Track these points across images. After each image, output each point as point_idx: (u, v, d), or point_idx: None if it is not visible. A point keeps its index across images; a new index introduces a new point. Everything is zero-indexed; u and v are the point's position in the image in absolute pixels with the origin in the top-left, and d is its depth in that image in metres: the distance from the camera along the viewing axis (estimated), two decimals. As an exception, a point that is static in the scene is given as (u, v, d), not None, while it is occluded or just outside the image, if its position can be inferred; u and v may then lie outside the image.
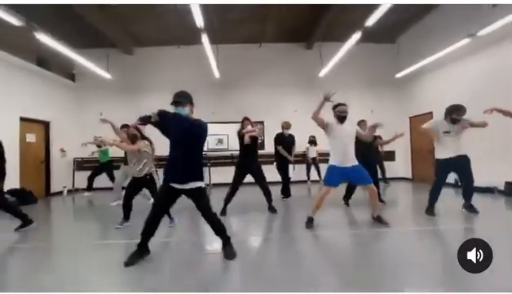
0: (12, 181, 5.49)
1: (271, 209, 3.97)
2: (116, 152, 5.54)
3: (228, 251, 2.34)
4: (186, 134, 2.18)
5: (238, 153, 4.02)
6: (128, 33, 7.20)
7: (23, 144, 6.02)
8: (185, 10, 5.67)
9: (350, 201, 4.40)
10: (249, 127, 3.84)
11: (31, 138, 6.37)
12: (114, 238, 3.10)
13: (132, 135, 3.49)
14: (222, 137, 8.01)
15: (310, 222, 3.18)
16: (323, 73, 7.28)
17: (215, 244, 2.53)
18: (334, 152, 3.17)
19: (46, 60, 6.56)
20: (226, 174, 5.95)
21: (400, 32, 7.60)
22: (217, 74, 6.99)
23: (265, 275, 2.03)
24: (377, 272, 2.01)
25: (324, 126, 3.13)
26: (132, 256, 2.24)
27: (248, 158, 3.90)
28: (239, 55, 7.96)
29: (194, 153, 2.27)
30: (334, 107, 3.20)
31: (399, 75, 7.14)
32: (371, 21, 4.18)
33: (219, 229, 2.38)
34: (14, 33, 5.09)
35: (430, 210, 3.60)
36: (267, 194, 3.98)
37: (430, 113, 6.90)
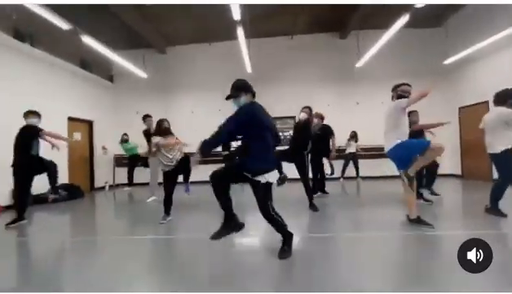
0: (62, 177, 5.93)
1: (313, 207, 3.77)
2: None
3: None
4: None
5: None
6: (161, 33, 7.37)
7: (70, 143, 6.44)
8: (218, 5, 5.69)
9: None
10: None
11: (77, 136, 6.81)
12: (154, 233, 3.14)
13: (165, 128, 3.70)
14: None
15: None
16: (360, 63, 6.85)
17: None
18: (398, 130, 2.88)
19: (88, 63, 6.96)
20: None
21: (448, 14, 6.87)
22: (249, 69, 6.89)
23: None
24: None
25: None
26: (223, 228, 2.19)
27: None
28: (270, 48, 7.79)
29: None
30: (397, 86, 3.06)
31: (447, 62, 6.47)
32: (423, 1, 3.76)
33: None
34: (61, 37, 5.43)
35: (496, 209, 3.13)
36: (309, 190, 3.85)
37: (486, 102, 6.17)
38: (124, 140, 6.93)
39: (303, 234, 2.85)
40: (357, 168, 6.83)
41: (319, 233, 2.89)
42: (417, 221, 2.82)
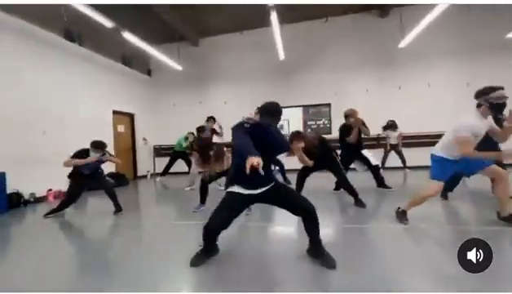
0: (110, 166, 6.44)
1: (359, 203, 3.42)
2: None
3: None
4: None
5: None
6: (193, 25, 7.48)
7: (116, 134, 6.97)
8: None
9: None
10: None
11: (121, 128, 7.32)
12: (191, 219, 3.24)
13: (219, 154, 3.32)
14: (281, 123, 7.73)
15: (403, 215, 2.69)
16: (403, 43, 6.25)
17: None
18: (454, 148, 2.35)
19: (128, 59, 7.37)
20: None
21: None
22: (282, 56, 6.70)
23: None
24: None
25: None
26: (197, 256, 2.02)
27: None
28: (304, 33, 7.47)
29: None
30: (484, 92, 2.22)
31: (511, 34, 5.60)
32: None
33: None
34: (105, 36, 5.79)
35: None
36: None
37: (562, 80, 5.26)
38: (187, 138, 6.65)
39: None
40: (403, 160, 6.32)
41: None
42: (507, 220, 2.41)
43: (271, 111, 2.00)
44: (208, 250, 2.00)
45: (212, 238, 1.96)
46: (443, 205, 3.35)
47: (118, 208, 3.67)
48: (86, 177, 3.65)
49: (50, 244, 2.67)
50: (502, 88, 2.20)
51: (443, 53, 6.79)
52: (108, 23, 4.36)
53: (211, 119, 5.65)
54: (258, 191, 1.89)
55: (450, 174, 2.52)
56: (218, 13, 6.80)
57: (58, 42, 5.27)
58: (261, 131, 1.77)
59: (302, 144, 2.92)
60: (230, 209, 1.87)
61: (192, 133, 6.21)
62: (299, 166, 3.46)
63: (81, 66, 5.92)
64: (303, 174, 3.71)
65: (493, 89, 2.20)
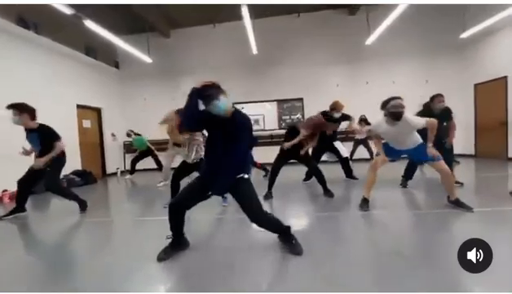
0: (75, 163, 6.08)
1: (328, 193, 3.58)
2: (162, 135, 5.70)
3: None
4: None
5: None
6: (164, 16, 7.21)
7: (81, 130, 6.56)
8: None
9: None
10: None
11: (87, 124, 6.90)
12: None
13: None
14: (257, 118, 7.82)
15: (364, 203, 2.90)
16: (370, 40, 6.55)
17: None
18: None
19: (92, 49, 6.92)
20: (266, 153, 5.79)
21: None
22: (254, 50, 6.71)
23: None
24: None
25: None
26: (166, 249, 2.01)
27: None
28: (276, 28, 7.53)
29: None
30: (385, 103, 2.67)
31: (464, 35, 6.10)
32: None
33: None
34: (65, 24, 5.38)
35: None
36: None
37: (504, 77, 5.90)
38: (129, 136, 6.62)
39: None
40: (371, 153, 6.69)
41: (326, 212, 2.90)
42: (456, 203, 2.72)
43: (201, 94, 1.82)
44: (176, 242, 1.99)
45: (176, 218, 1.94)
46: (402, 192, 3.65)
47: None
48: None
49: (8, 247, 2.49)
50: (399, 98, 2.58)
51: (405, 52, 7.26)
52: (67, 10, 4.04)
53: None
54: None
55: (398, 154, 2.91)
56: (189, 5, 6.61)
57: (10, 28, 4.79)
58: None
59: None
60: (192, 188, 1.93)
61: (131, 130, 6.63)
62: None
63: (38, 55, 5.45)
64: (279, 164, 3.72)
65: (390, 100, 2.61)
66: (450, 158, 3.50)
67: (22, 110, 3.09)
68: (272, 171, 3.73)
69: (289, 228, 2.01)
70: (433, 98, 3.54)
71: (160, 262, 1.89)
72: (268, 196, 3.60)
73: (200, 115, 1.83)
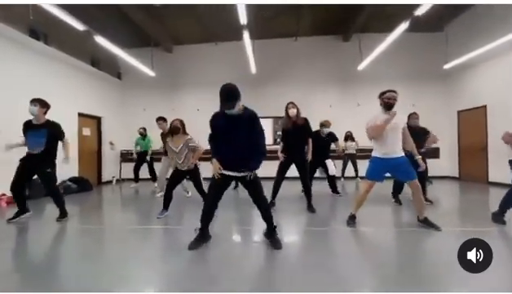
0: (73, 170, 6.18)
1: (311, 208, 3.80)
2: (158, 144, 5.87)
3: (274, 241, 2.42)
4: None
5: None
6: (168, 32, 7.58)
7: (80, 137, 6.71)
8: (224, 8, 5.88)
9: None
10: None
11: (86, 132, 7.06)
12: (155, 224, 3.35)
13: (175, 127, 3.50)
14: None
15: (351, 219, 3.11)
16: (361, 66, 7.01)
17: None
18: (378, 143, 2.98)
19: (98, 61, 7.20)
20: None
21: (449, 19, 7.01)
22: (253, 69, 7.08)
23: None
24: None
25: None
26: (195, 241, 2.40)
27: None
28: (274, 50, 7.98)
29: None
30: (382, 94, 3.02)
31: (447, 66, 6.62)
32: (423, 10, 3.92)
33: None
34: (73, 36, 5.66)
35: (500, 217, 3.06)
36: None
37: (484, 106, 6.33)
38: (142, 134, 6.73)
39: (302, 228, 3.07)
40: (356, 169, 7.00)
41: (316, 227, 3.09)
42: (425, 222, 2.94)
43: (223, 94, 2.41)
44: (202, 235, 2.43)
45: (209, 213, 2.44)
46: (380, 211, 3.89)
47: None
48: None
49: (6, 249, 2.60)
50: (394, 91, 2.96)
51: (394, 78, 7.70)
52: (79, 26, 4.32)
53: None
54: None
55: (381, 174, 3.02)
56: (193, 23, 7.02)
57: (21, 38, 5.04)
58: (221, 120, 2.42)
59: None
60: (216, 185, 2.41)
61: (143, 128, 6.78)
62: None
63: (45, 65, 5.68)
64: (282, 173, 3.93)
65: (386, 92, 2.98)
66: (424, 176, 3.75)
67: (43, 105, 3.50)
68: (276, 183, 3.98)
69: (275, 226, 2.51)
70: (409, 115, 4.07)
71: (190, 250, 2.30)
72: (271, 205, 3.75)
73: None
